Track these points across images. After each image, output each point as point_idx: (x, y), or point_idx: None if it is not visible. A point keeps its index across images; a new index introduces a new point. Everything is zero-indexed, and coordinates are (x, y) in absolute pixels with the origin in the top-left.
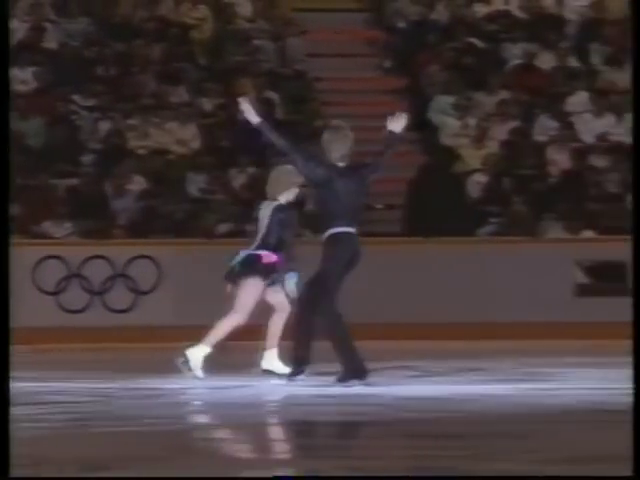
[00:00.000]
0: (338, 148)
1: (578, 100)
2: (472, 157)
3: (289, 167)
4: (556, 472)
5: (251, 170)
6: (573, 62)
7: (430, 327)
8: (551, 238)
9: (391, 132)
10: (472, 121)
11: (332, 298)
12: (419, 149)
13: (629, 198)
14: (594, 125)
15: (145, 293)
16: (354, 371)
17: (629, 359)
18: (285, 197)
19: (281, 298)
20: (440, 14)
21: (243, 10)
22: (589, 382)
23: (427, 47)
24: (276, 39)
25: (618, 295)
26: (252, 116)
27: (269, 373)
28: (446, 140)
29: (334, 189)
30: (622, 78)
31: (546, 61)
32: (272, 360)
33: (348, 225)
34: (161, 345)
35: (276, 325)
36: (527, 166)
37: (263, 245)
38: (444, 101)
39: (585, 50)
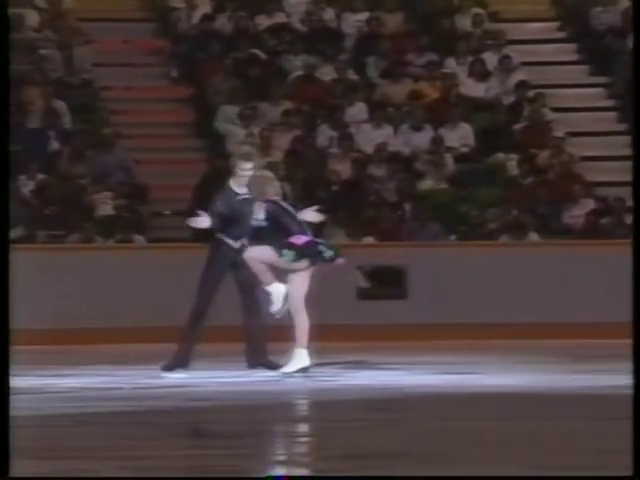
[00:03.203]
0: None
1: (357, 111)
2: (257, 165)
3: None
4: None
5: (40, 177)
6: (351, 74)
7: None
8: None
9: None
10: (257, 130)
11: None
12: (205, 157)
13: (407, 206)
14: (372, 136)
15: None
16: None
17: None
18: None
19: None
20: (223, 25)
21: (30, 20)
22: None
23: (212, 57)
24: (63, 48)
25: (396, 298)
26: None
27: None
28: (232, 148)
29: None
30: (397, 91)
31: (326, 73)
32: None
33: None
34: None
35: None
36: (310, 174)
37: None
38: (229, 110)
39: (362, 63)
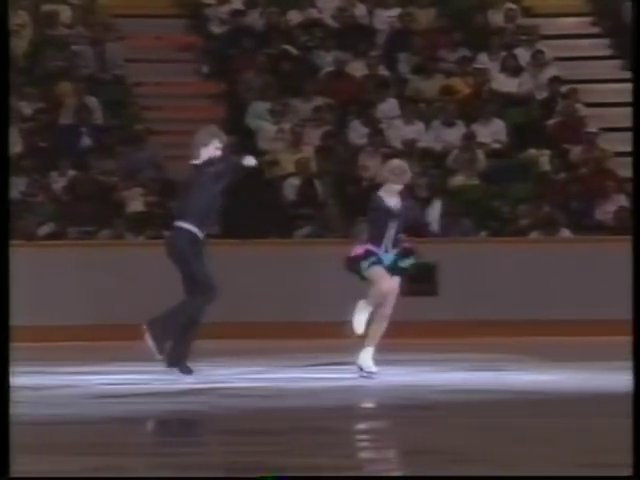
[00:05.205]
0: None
1: (388, 107)
2: (287, 161)
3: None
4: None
5: (71, 173)
6: (383, 70)
7: (249, 325)
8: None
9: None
10: (288, 126)
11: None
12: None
13: (436, 202)
14: (404, 132)
15: None
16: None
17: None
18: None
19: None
20: (255, 21)
21: (62, 16)
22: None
23: (243, 53)
24: (95, 44)
25: (427, 295)
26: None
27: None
28: (263, 145)
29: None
30: (429, 86)
31: (357, 69)
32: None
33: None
34: None
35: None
36: (341, 170)
37: None
38: (261, 106)
39: (394, 59)
